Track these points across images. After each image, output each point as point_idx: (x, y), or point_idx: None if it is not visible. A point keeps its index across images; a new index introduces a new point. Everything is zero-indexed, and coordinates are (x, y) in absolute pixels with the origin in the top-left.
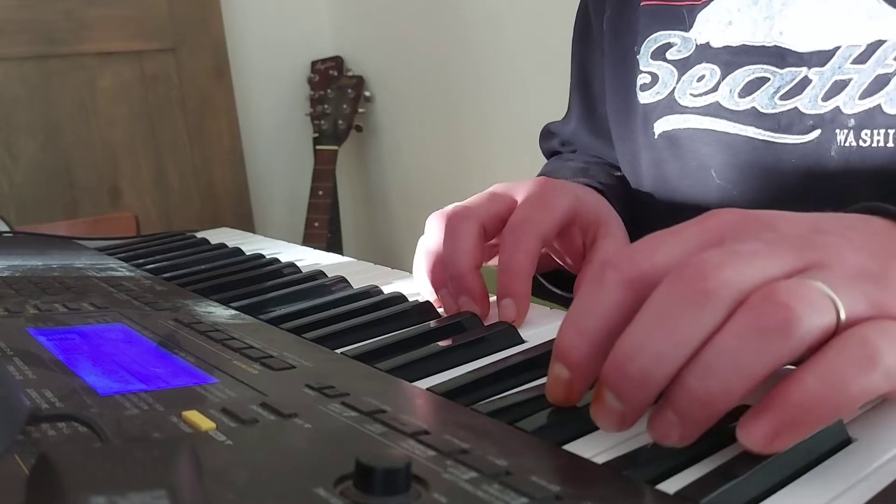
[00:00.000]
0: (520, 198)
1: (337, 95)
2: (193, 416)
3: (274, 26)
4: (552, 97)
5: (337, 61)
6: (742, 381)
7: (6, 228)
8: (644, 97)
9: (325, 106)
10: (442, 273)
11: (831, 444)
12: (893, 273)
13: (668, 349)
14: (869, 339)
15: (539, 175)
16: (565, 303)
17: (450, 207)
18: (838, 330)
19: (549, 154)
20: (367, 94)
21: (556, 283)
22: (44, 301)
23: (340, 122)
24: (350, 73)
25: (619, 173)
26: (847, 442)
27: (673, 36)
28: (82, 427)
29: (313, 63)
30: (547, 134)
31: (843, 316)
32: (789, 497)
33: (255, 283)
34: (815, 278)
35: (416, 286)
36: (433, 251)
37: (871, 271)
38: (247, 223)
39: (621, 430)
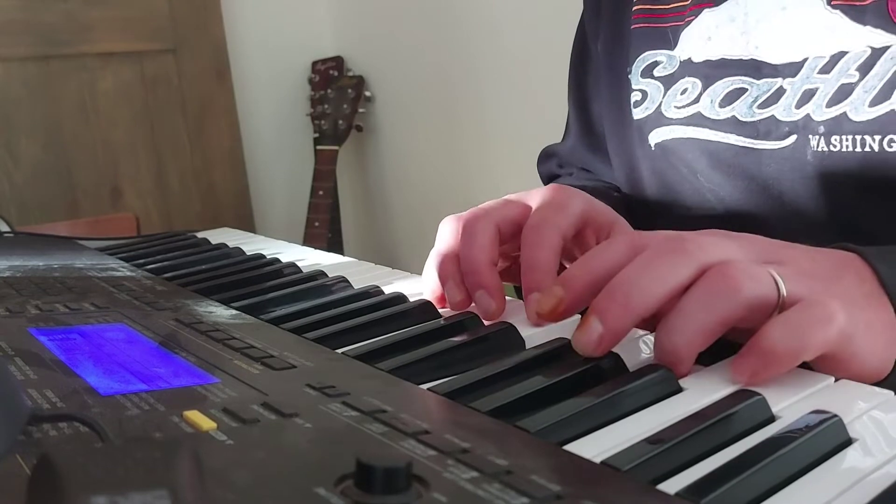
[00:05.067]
0: (533, 203)
1: (337, 95)
2: (194, 415)
3: (274, 27)
4: (551, 97)
5: (337, 61)
6: (696, 333)
7: (7, 229)
8: (637, 113)
9: (326, 106)
10: (451, 266)
11: (831, 444)
12: (835, 287)
13: (648, 284)
14: (827, 303)
15: None
16: None
17: (464, 213)
18: (782, 305)
19: (547, 178)
20: (367, 94)
21: None
22: (45, 301)
23: (341, 122)
24: (350, 74)
25: (616, 194)
26: (847, 442)
27: (659, 55)
28: (83, 427)
29: (314, 63)
30: (545, 157)
31: (783, 292)
32: (789, 497)
33: (255, 283)
34: (768, 266)
35: (423, 285)
36: (444, 251)
37: (818, 276)
38: (247, 223)
39: (595, 354)
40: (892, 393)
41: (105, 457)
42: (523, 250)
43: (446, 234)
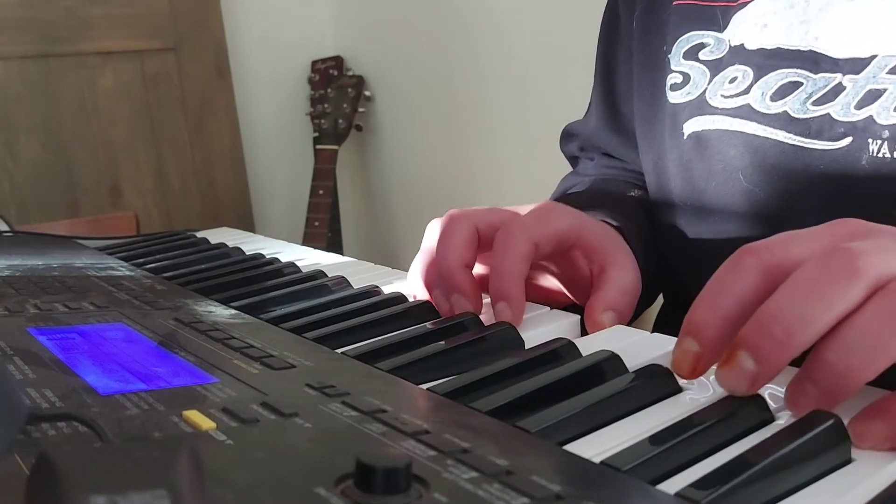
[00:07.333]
0: (521, 213)
1: (337, 95)
2: (194, 415)
3: (274, 26)
4: (553, 96)
5: (337, 61)
6: (881, 358)
7: (6, 228)
8: (674, 97)
9: (326, 105)
10: (434, 273)
11: (831, 444)
12: None
13: (814, 313)
14: None
15: (554, 194)
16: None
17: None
18: None
19: (570, 159)
20: (367, 93)
21: None
22: (44, 300)
23: (341, 121)
24: (350, 73)
25: (634, 192)
26: (847, 442)
27: (706, 36)
28: (82, 427)
29: (313, 62)
30: (567, 136)
31: None
32: (789, 497)
33: (255, 282)
34: None
35: (409, 287)
36: (427, 254)
37: None
38: (247, 222)
39: (749, 392)
40: (892, 394)
41: (104, 456)
42: (492, 255)
43: (430, 238)
